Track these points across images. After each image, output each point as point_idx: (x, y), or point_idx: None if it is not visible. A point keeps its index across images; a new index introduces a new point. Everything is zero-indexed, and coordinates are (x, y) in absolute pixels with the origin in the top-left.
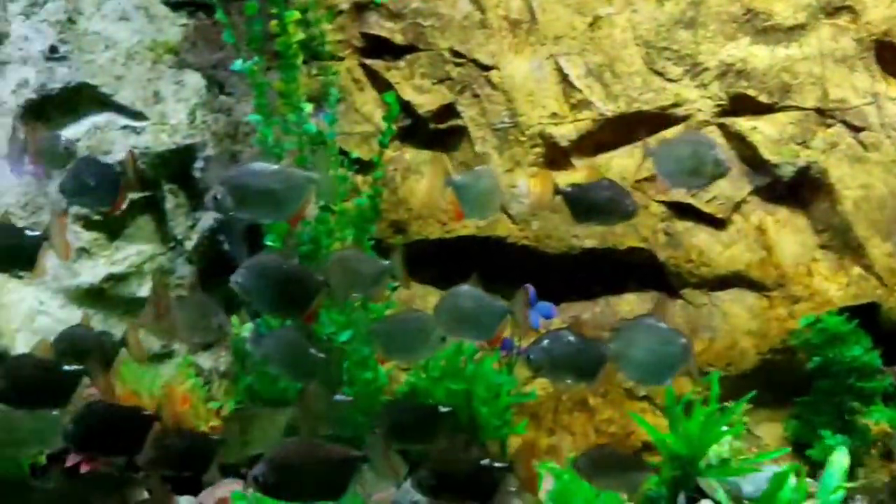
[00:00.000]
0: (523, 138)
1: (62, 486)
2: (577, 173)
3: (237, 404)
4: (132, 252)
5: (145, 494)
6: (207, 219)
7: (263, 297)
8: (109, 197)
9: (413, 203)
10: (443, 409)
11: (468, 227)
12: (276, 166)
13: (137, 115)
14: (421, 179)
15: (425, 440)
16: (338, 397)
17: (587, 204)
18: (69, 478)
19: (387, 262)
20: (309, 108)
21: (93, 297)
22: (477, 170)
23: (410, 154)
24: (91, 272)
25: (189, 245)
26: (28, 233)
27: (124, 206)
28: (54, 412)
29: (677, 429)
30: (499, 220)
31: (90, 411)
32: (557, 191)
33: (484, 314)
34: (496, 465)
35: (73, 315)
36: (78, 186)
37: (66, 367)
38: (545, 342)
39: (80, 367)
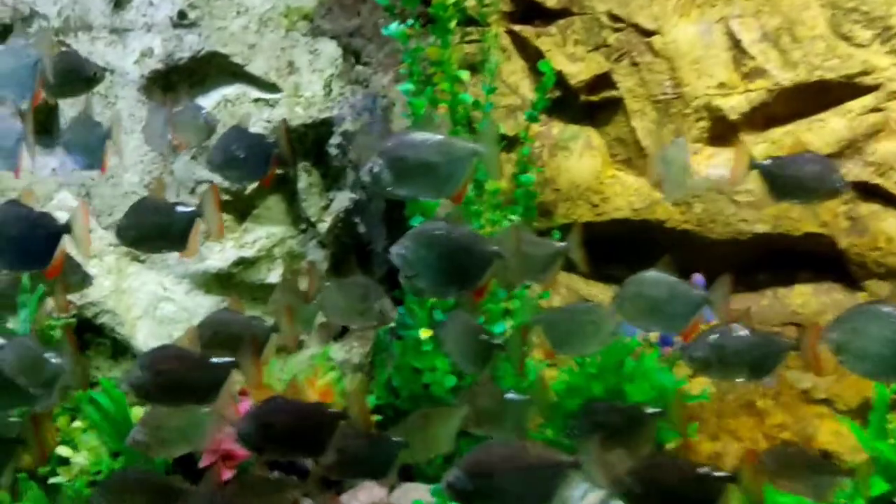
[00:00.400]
0: (687, 111)
1: (221, 491)
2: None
3: (377, 400)
4: (262, 235)
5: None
6: (342, 199)
7: (430, 270)
8: (259, 170)
9: (561, 183)
10: (650, 411)
11: (623, 209)
12: (439, 137)
13: (271, 87)
14: (570, 157)
15: (631, 443)
16: (511, 395)
17: (788, 180)
18: (228, 483)
19: (562, 244)
20: (466, 75)
21: (221, 282)
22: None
23: (558, 129)
24: (220, 256)
25: (322, 227)
26: (179, 209)
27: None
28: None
29: (882, 436)
30: (658, 201)
31: (270, 408)
32: (753, 165)
33: (678, 303)
34: (717, 474)
35: (199, 302)
36: (226, 159)
37: (215, 360)
38: (713, 337)
39: (230, 359)
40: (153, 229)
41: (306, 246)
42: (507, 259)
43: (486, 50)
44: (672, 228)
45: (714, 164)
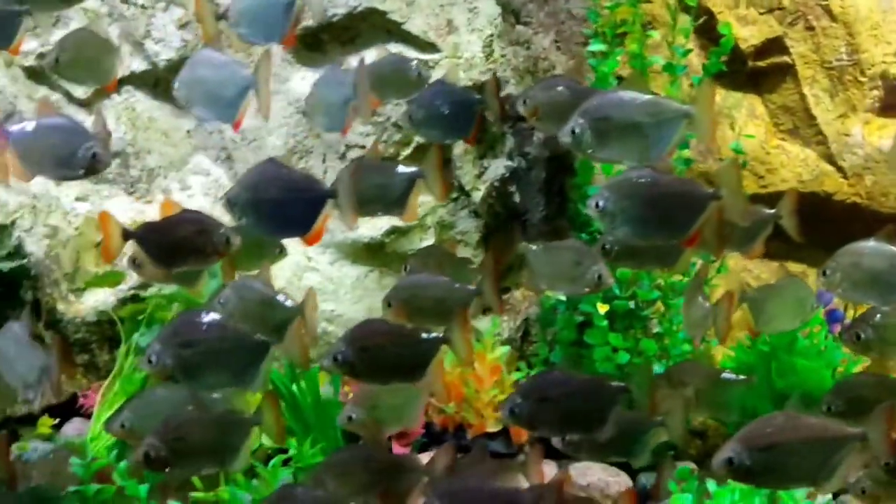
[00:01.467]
0: (863, 79)
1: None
2: None
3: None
4: None
5: None
6: (498, 167)
7: (634, 222)
8: (464, 127)
9: (724, 153)
10: None
11: (789, 181)
12: (647, 96)
13: (429, 47)
14: (733, 125)
15: None
16: (728, 375)
17: None
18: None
19: (771, 211)
20: (656, 35)
21: (371, 252)
22: None
23: (720, 95)
24: (372, 225)
25: (476, 196)
26: (401, 170)
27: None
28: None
29: None
30: (826, 173)
31: (547, 382)
32: None
33: None
34: None
35: (345, 272)
36: (429, 115)
37: (426, 335)
38: (877, 317)
39: (439, 335)
40: (371, 191)
41: (457, 215)
42: (725, 201)
43: (672, 9)
44: (841, 202)
45: (887, 135)
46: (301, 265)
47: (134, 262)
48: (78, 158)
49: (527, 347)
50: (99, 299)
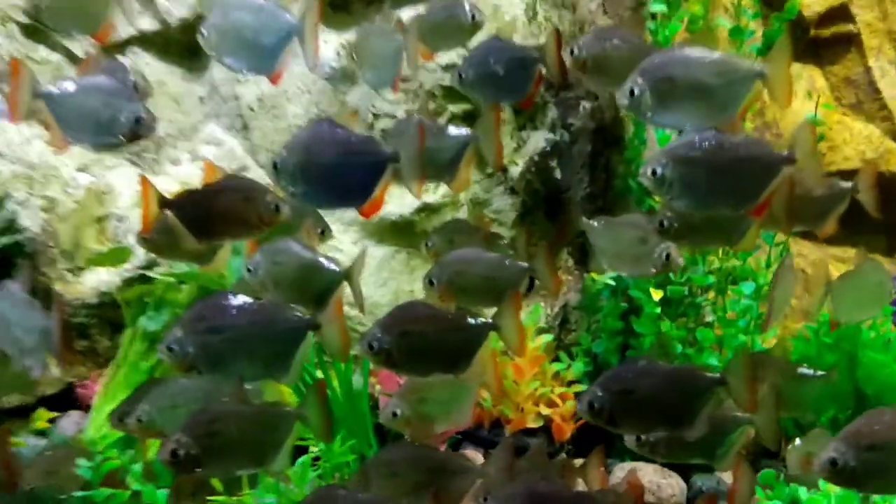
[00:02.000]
0: None
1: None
2: None
3: (585, 366)
4: None
5: None
6: (538, 140)
7: (698, 190)
8: (521, 88)
9: (783, 127)
10: None
11: (852, 159)
12: (715, 54)
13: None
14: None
15: None
16: (805, 370)
17: None
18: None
19: (847, 184)
20: None
21: (398, 231)
22: None
23: None
24: (399, 202)
25: (514, 172)
26: (453, 132)
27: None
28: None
29: None
30: (891, 151)
31: (632, 372)
32: None
33: None
34: None
35: (370, 252)
36: (482, 74)
37: (473, 321)
38: None
39: (489, 322)
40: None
41: (491, 192)
42: (800, 166)
43: None
44: None
45: None
46: (324, 245)
47: (143, 238)
48: (120, 124)
49: (565, 336)
50: (101, 279)
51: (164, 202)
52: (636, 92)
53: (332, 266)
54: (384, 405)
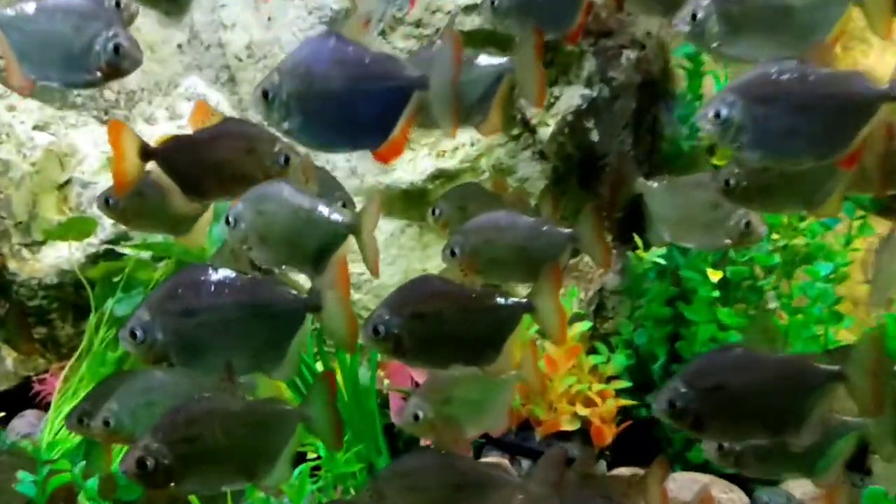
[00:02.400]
0: None
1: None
2: None
3: (627, 360)
4: (465, 140)
5: None
6: (572, 96)
7: (775, 136)
8: (566, 18)
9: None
10: None
11: None
12: None
13: None
14: (868, 52)
15: None
16: None
17: None
18: None
19: None
20: None
21: (410, 201)
22: None
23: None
24: (411, 168)
25: (543, 133)
26: (484, 62)
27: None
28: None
29: None
30: None
31: (724, 363)
32: None
33: None
34: None
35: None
36: (519, 1)
37: (503, 300)
38: None
39: (524, 300)
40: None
41: (517, 157)
42: None
43: None
44: None
45: None
46: None
47: (107, 203)
48: (94, 54)
49: (601, 324)
50: (62, 256)
51: (146, 152)
52: (699, 15)
53: (337, 216)
54: (397, 405)
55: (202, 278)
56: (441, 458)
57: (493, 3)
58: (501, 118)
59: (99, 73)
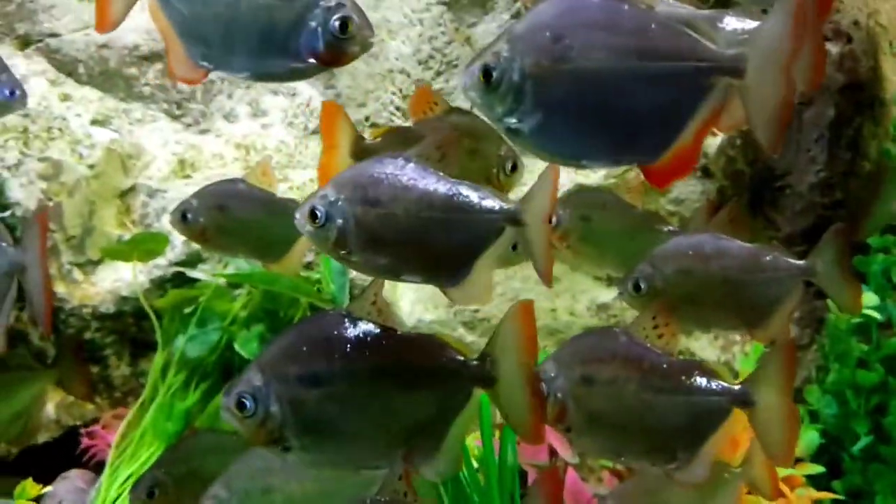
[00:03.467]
0: None
1: None
2: None
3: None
4: None
5: None
6: None
7: None
8: None
9: None
10: None
11: None
12: None
13: None
14: None
15: None
16: None
17: None
18: None
19: None
20: None
21: None
22: None
23: None
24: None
25: (710, 144)
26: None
27: None
28: None
29: None
30: None
31: None
32: None
33: None
34: None
35: None
36: None
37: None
38: None
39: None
40: None
41: None
42: None
43: None
44: None
45: None
46: None
47: (184, 218)
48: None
49: None
50: (121, 279)
51: (361, 148)
52: None
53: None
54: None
55: (335, 331)
56: None
57: None
58: None
59: (313, 60)
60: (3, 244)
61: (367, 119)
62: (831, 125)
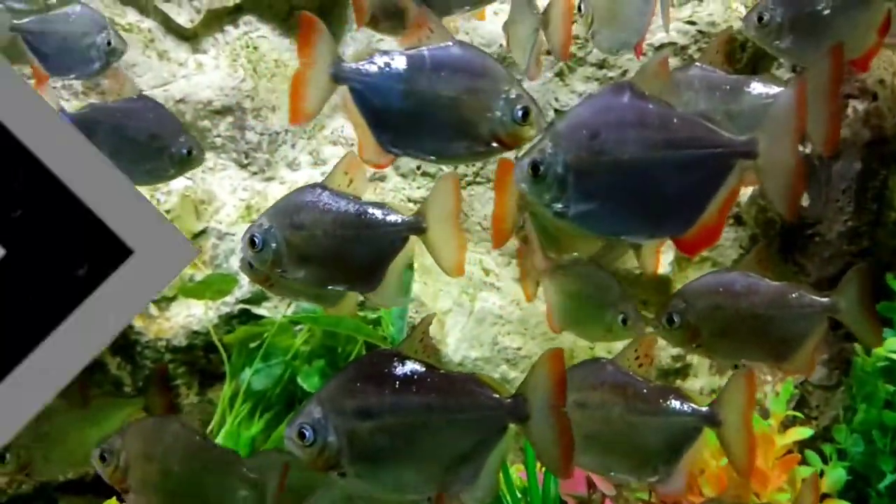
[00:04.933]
0: None
1: None
2: None
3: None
4: None
5: None
6: None
7: None
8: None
9: None
10: None
11: None
12: None
13: None
14: None
15: None
16: None
17: None
18: None
19: None
20: None
21: None
22: None
23: None
24: None
25: (741, 194)
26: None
27: None
28: None
29: None
30: None
31: None
32: None
33: None
34: None
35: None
36: (797, 15)
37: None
38: None
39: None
40: None
41: None
42: None
43: None
44: None
45: None
46: (476, 280)
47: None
48: (492, 120)
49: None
50: (193, 315)
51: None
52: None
53: (393, 217)
54: None
55: (386, 370)
56: None
57: (760, 19)
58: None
59: (495, 144)
60: None
61: None
62: (858, 177)
